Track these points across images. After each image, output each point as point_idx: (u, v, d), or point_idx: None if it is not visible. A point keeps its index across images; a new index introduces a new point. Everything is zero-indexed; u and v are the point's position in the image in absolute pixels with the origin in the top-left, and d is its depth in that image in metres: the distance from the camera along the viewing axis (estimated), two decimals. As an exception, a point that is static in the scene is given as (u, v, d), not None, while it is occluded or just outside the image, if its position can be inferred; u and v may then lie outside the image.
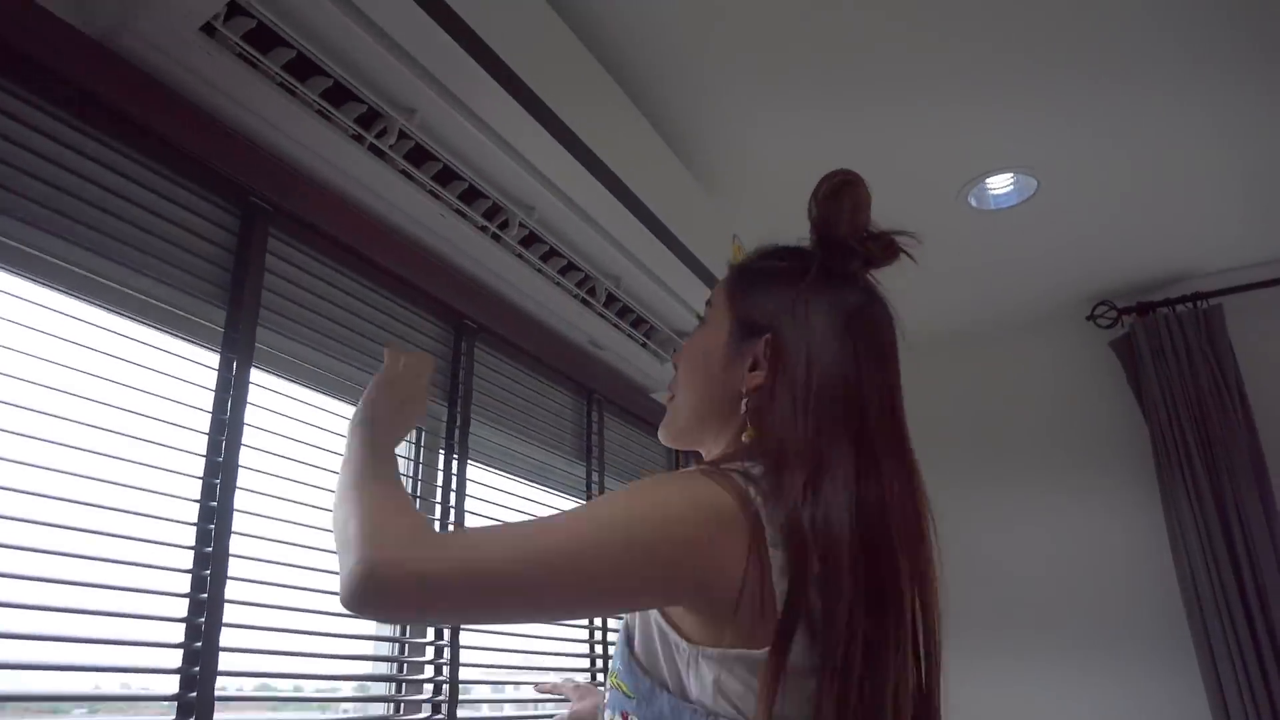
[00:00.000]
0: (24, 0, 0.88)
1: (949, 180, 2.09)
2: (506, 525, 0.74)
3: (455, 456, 1.44)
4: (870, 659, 0.68)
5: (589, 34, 1.49)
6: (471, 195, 1.34)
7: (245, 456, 1.06)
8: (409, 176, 1.25)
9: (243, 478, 1.05)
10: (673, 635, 0.72)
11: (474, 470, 1.48)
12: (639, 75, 1.65)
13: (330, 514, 0.77)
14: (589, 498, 1.80)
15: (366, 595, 0.63)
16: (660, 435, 0.93)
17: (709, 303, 0.92)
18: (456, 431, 1.45)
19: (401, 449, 1.42)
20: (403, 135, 1.20)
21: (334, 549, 0.72)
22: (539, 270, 1.52)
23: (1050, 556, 2.67)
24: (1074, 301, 2.78)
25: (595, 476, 1.83)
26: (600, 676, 1.69)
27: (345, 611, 0.64)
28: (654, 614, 0.75)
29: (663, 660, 0.73)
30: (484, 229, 1.39)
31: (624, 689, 0.75)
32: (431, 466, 1.44)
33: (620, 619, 0.83)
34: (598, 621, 1.74)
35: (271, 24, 1.01)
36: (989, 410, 2.87)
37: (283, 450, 1.14)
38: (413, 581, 0.64)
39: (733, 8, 1.50)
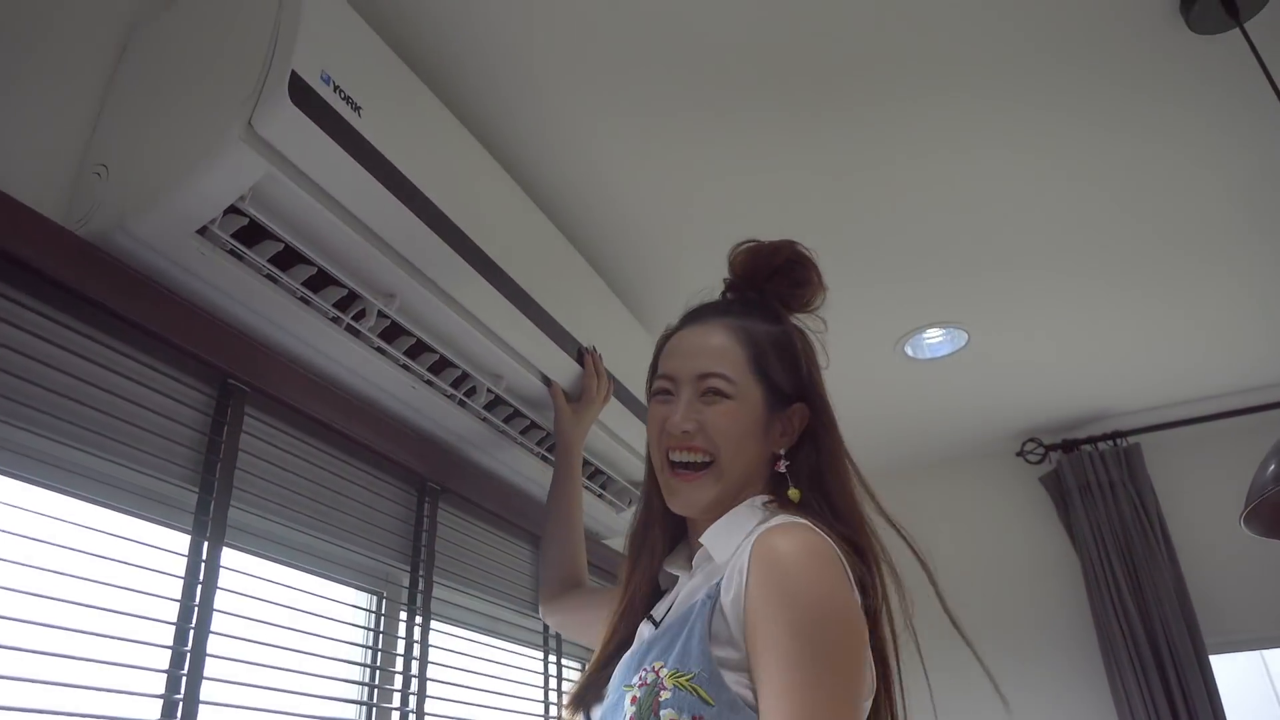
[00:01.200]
0: (16, 203, 0.91)
1: (887, 333, 2.23)
2: None
3: (418, 620, 1.42)
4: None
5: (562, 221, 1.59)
6: (441, 365, 1.39)
7: (215, 644, 1.05)
8: (383, 353, 1.29)
9: (211, 667, 1.03)
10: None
11: (437, 630, 1.47)
12: (610, 262, 1.76)
13: None
14: (546, 651, 1.79)
15: None
16: (690, 509, 0.99)
17: (719, 372, 0.98)
18: (419, 596, 1.44)
19: (359, 617, 1.41)
20: (380, 315, 1.25)
21: None
22: (502, 432, 1.56)
23: (987, 690, 2.70)
24: (1005, 439, 2.92)
25: (552, 630, 1.82)
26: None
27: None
28: (742, 668, 0.79)
29: (743, 675, 0.78)
30: (451, 396, 1.43)
31: (702, 694, 0.76)
32: (392, 634, 1.43)
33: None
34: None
35: (262, 222, 1.07)
36: (930, 544, 2.95)
37: (255, 635, 1.12)
38: None
39: (696, 192, 1.63)
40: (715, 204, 1.75)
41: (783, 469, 0.97)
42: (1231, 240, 1.93)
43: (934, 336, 2.29)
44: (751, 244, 1.05)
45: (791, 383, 0.99)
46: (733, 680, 0.77)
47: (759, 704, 0.75)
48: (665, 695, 0.78)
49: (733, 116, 1.54)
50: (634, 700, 0.80)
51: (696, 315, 1.07)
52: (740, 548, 0.88)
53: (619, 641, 1.04)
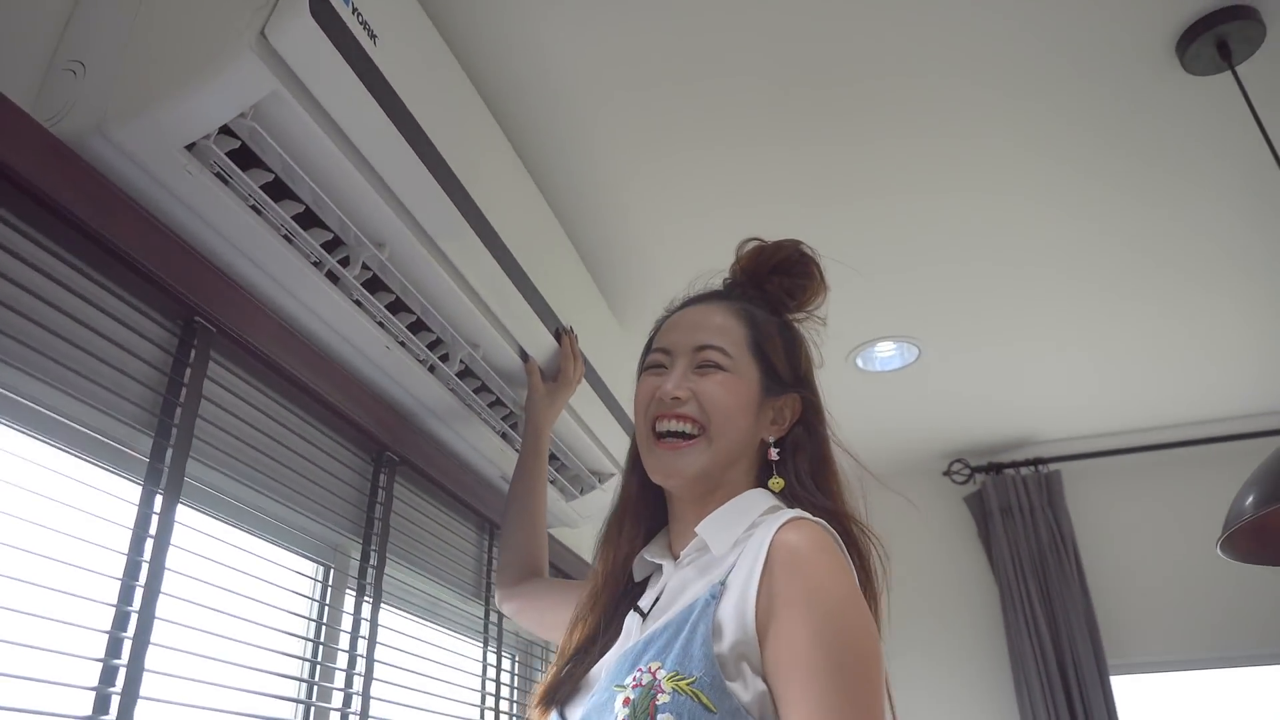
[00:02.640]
0: (-5, 95, 0.80)
1: (841, 342, 2.24)
2: None
3: (368, 597, 1.33)
4: None
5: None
6: (418, 328, 1.31)
7: (164, 606, 0.94)
8: (361, 306, 1.21)
9: (159, 631, 0.93)
10: (756, 660, 0.75)
11: (386, 610, 1.38)
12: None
13: None
14: (486, 640, 1.71)
15: None
16: (675, 477, 0.94)
17: (717, 345, 0.96)
18: (370, 571, 1.35)
19: (305, 586, 1.31)
20: (364, 267, 1.17)
21: None
22: (469, 405, 1.48)
23: (901, 701, 2.75)
24: (936, 458, 3.00)
25: (494, 616, 1.75)
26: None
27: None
28: (755, 669, 0.75)
29: (739, 679, 0.74)
30: (423, 361, 1.35)
31: (704, 700, 0.72)
32: (338, 608, 1.33)
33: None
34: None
35: (257, 145, 0.97)
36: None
37: (205, 597, 1.02)
38: None
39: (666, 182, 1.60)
40: (687, 208, 1.73)
41: (774, 457, 0.94)
42: (1170, 284, 2.02)
43: (886, 350, 2.32)
44: (757, 242, 1.05)
45: (789, 371, 0.98)
46: (735, 687, 0.73)
47: (780, 715, 0.72)
48: (663, 699, 0.73)
49: (701, 127, 1.54)
50: (626, 702, 0.75)
51: (698, 298, 1.06)
52: (742, 542, 0.85)
53: (590, 633, 0.99)
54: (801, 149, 1.61)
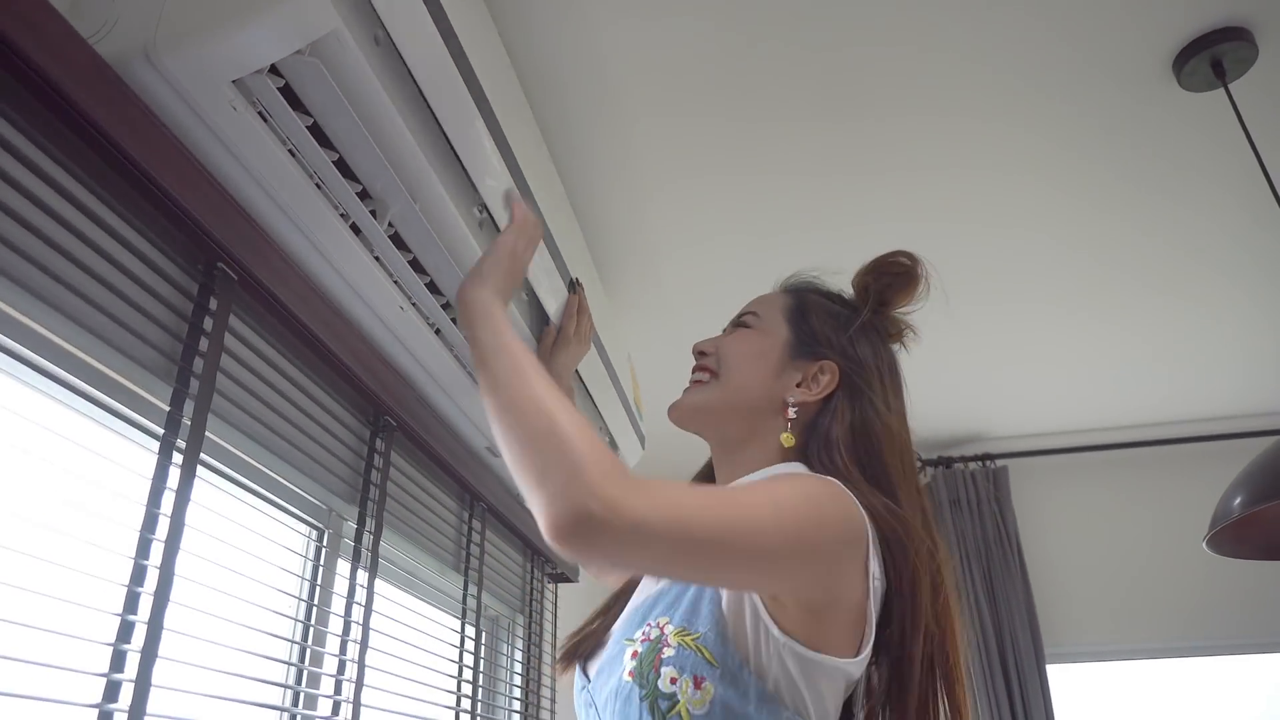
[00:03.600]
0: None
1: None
2: (698, 489, 0.71)
3: (364, 567, 1.30)
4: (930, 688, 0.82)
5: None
6: (434, 288, 1.27)
7: (183, 564, 0.89)
8: (379, 261, 1.17)
9: (178, 589, 0.88)
10: (766, 618, 0.74)
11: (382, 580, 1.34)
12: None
13: (500, 410, 0.73)
14: (464, 614, 1.68)
15: (578, 535, 0.61)
16: (676, 410, 0.99)
17: (752, 310, 1.02)
18: (367, 536, 1.31)
19: (296, 563, 1.27)
20: (389, 225, 1.13)
21: (516, 462, 0.69)
22: (469, 372, 1.45)
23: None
24: (891, 449, 3.06)
25: (473, 590, 1.72)
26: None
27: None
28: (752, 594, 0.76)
29: (749, 638, 0.75)
30: (432, 325, 1.31)
31: (707, 654, 0.74)
32: (330, 569, 1.29)
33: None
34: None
35: (299, 88, 0.93)
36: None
37: (224, 559, 0.98)
38: (627, 529, 0.61)
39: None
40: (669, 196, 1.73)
41: (790, 414, 0.93)
42: (1125, 288, 2.10)
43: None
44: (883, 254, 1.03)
45: (828, 339, 0.96)
46: (744, 642, 0.75)
47: None
48: (668, 652, 0.75)
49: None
50: (634, 655, 0.77)
51: None
52: None
53: (617, 592, 1.01)
54: (784, 128, 1.62)
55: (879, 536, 0.81)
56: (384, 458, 1.39)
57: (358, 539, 1.31)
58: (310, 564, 1.28)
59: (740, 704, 0.72)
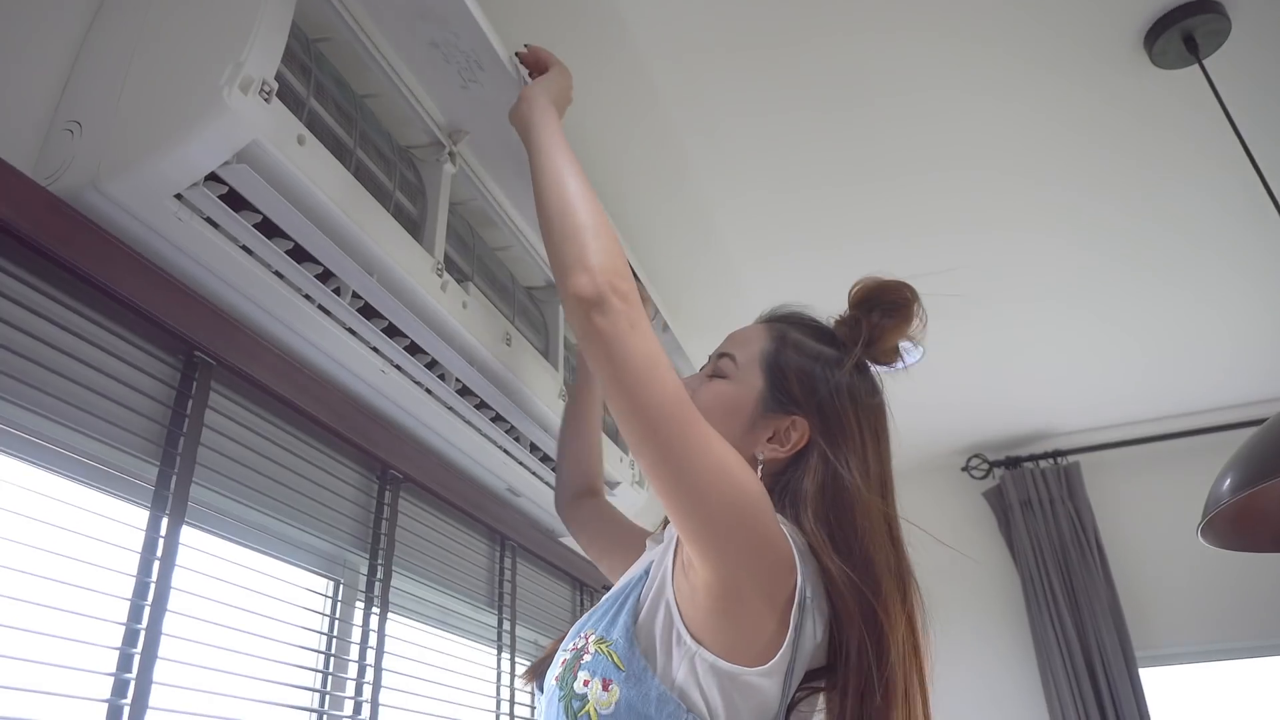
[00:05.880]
0: (-6, 158, 0.88)
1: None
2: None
3: (375, 609, 1.40)
4: None
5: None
6: (413, 350, 1.37)
7: (171, 623, 1.01)
8: (354, 333, 1.27)
9: (166, 647, 1.00)
10: (679, 623, 0.78)
11: (394, 621, 1.44)
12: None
13: (553, 197, 0.89)
14: (500, 647, 1.77)
15: (590, 304, 0.78)
16: None
17: (729, 353, 0.98)
18: (378, 584, 1.41)
19: (318, 603, 1.38)
20: (355, 296, 1.23)
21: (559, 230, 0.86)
22: (468, 422, 1.54)
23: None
24: (952, 454, 3.00)
25: (507, 625, 1.80)
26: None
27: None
28: (669, 595, 0.80)
29: (659, 644, 0.78)
30: (419, 383, 1.41)
31: (615, 659, 0.78)
32: (347, 621, 1.39)
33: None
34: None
35: (244, 190, 1.04)
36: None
37: (212, 616, 1.09)
38: (614, 330, 0.77)
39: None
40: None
41: (759, 475, 0.90)
42: (1179, 269, 2.01)
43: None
44: (875, 279, 1.00)
45: (802, 391, 0.92)
46: (655, 654, 0.78)
47: None
48: (586, 658, 0.81)
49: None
50: (563, 663, 0.83)
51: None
52: None
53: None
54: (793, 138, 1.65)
55: (829, 606, 0.82)
56: (391, 508, 1.49)
57: (369, 587, 1.41)
58: (327, 614, 1.38)
59: (642, 705, 0.76)
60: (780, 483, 0.92)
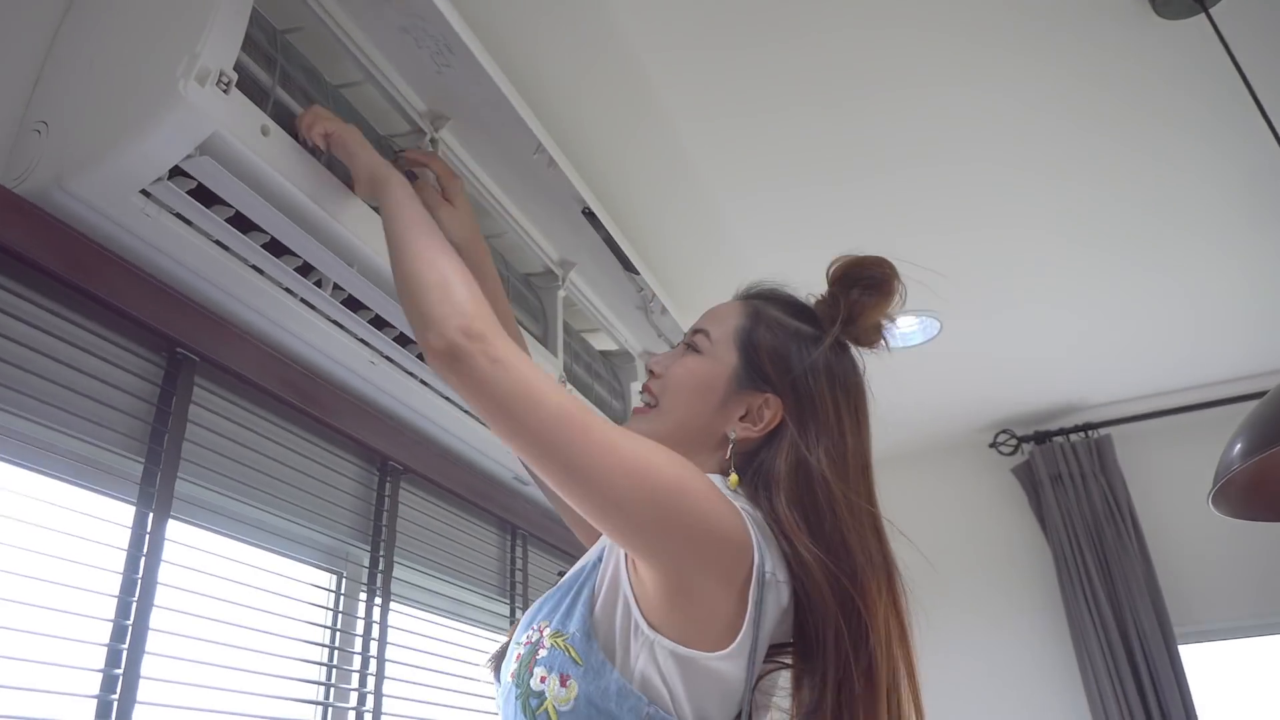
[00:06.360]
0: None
1: (858, 320, 2.21)
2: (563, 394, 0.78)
3: (378, 600, 1.40)
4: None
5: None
6: (403, 341, 1.36)
7: (159, 619, 1.02)
8: (340, 325, 1.26)
9: (154, 642, 1.00)
10: (636, 612, 0.76)
11: (396, 612, 1.44)
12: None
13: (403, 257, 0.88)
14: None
15: (450, 356, 0.77)
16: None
17: (704, 328, 0.95)
18: (379, 576, 1.41)
19: (321, 597, 1.38)
20: (337, 286, 1.22)
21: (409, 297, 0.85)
22: (467, 411, 1.53)
23: (961, 689, 2.70)
24: (978, 430, 2.93)
25: (519, 613, 1.80)
26: None
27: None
28: (624, 585, 0.78)
29: (618, 636, 0.76)
30: (412, 374, 1.40)
31: (573, 654, 0.76)
32: (351, 614, 1.39)
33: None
34: None
35: (213, 184, 1.03)
36: (900, 539, 2.94)
37: (200, 609, 1.09)
38: (483, 366, 0.76)
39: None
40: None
41: (728, 454, 0.89)
42: (1204, 232, 1.93)
43: (907, 325, 2.28)
44: (854, 256, 0.95)
45: (774, 370, 0.90)
46: (611, 646, 0.77)
47: None
48: (542, 653, 0.78)
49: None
50: (518, 658, 0.80)
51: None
52: None
53: None
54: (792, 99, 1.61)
55: (796, 589, 0.80)
56: (391, 499, 1.49)
57: (371, 579, 1.41)
58: (330, 608, 1.39)
59: (602, 700, 0.74)
60: (754, 463, 0.89)
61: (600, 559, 0.83)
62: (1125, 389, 2.69)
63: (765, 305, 0.96)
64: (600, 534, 1.06)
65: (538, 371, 0.78)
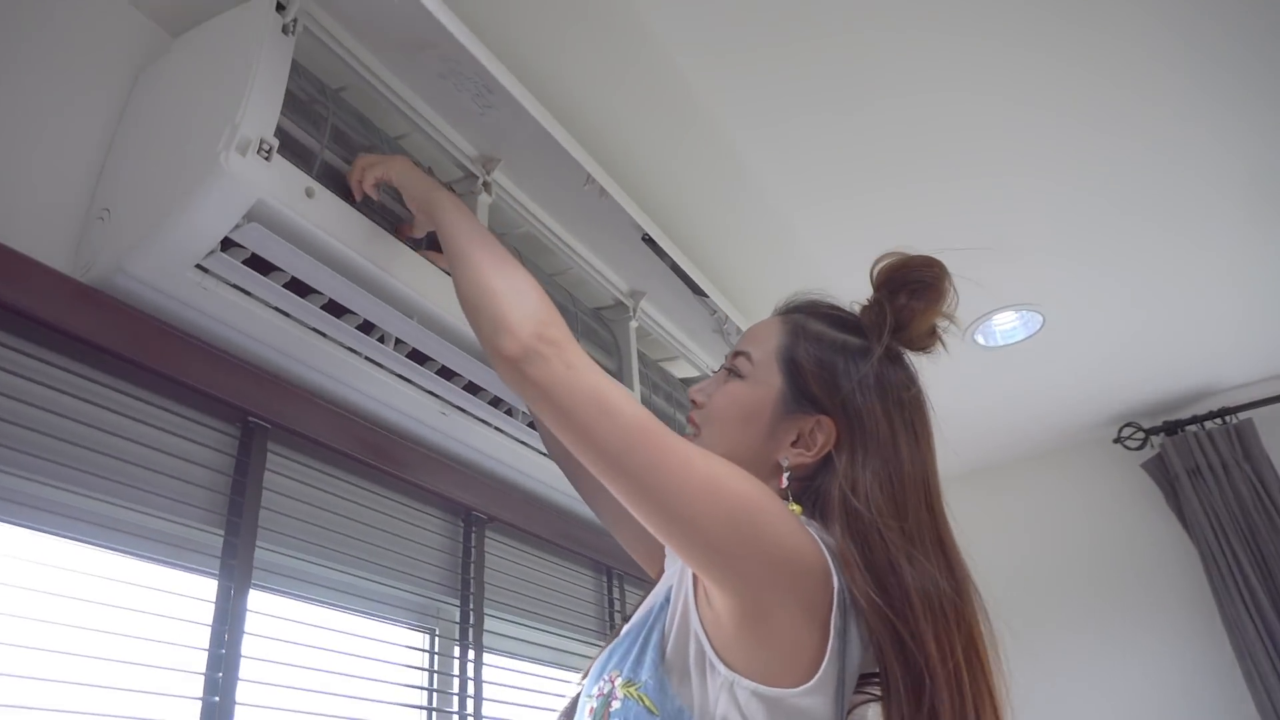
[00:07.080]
0: (15, 254, 0.91)
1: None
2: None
3: (471, 655, 1.37)
4: None
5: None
6: (473, 389, 1.34)
7: (245, 692, 1.01)
8: (407, 379, 1.25)
9: (242, 715, 0.99)
10: (710, 651, 0.71)
11: (491, 665, 1.41)
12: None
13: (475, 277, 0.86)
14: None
15: (519, 361, 0.75)
16: None
17: (745, 350, 0.89)
18: (470, 630, 1.39)
19: (416, 657, 1.36)
20: (400, 341, 1.21)
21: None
22: (546, 454, 1.50)
23: (1114, 703, 2.49)
24: (1098, 426, 2.73)
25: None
26: None
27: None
28: (694, 622, 0.73)
29: (694, 679, 0.72)
30: (486, 422, 1.38)
31: (648, 703, 0.71)
32: (447, 672, 1.37)
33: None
34: None
35: (265, 253, 1.04)
36: (1027, 548, 2.75)
37: (293, 680, 1.08)
38: (553, 383, 0.74)
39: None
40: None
41: (783, 483, 0.83)
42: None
43: (1006, 321, 2.14)
44: (898, 257, 0.88)
45: (823, 388, 0.83)
46: (686, 688, 0.72)
47: None
48: (615, 705, 0.74)
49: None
50: (590, 711, 0.76)
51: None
52: None
53: None
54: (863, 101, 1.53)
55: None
56: (478, 550, 1.46)
57: (462, 634, 1.38)
58: (425, 668, 1.36)
59: None
60: (810, 489, 0.83)
61: (668, 598, 0.78)
62: (1261, 367, 2.45)
63: (806, 319, 0.90)
64: (657, 556, 1.00)
65: (613, 382, 0.75)
